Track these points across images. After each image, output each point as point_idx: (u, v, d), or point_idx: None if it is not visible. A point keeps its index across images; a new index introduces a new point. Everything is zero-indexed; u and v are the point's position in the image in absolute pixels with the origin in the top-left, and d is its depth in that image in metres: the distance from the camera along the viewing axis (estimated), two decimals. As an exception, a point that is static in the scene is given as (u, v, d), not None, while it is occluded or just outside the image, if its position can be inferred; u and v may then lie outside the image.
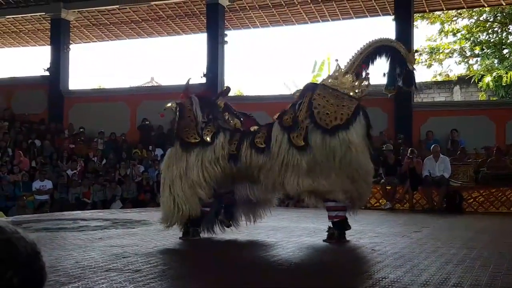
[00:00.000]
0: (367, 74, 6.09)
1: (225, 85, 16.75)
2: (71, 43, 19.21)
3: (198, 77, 16.73)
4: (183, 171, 5.95)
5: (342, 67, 6.14)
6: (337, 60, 6.34)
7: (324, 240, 5.92)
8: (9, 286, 0.97)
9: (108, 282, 3.66)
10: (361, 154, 5.74)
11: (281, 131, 5.88)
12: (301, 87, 6.24)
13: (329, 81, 6.13)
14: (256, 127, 6.21)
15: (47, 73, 18.50)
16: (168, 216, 6.05)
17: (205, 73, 16.68)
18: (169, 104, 6.50)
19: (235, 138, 6.07)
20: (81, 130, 17.17)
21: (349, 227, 6.06)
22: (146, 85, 27.33)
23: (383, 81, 6.29)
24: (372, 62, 6.12)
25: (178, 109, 6.29)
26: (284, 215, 9.00)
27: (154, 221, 8.25)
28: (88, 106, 17.84)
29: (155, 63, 51.06)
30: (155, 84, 27.57)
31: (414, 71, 6.17)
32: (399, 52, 6.05)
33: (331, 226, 6.02)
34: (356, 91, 5.98)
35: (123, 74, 48.83)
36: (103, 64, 51.59)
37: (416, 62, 6.15)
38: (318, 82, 6.33)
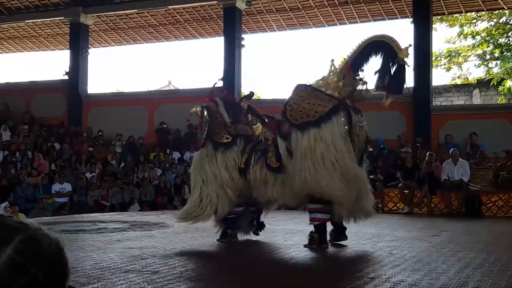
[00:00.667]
0: (356, 75, 5.81)
1: (242, 88, 16.86)
2: (90, 47, 19.41)
3: (215, 80, 16.86)
4: (216, 171, 6.00)
5: (337, 66, 5.97)
6: (332, 60, 6.12)
7: (304, 245, 5.75)
8: (34, 281, 0.99)
9: (127, 283, 3.70)
10: (342, 154, 5.47)
11: (283, 142, 5.80)
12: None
13: (317, 82, 5.96)
14: (266, 134, 6.18)
15: (66, 77, 18.72)
16: (189, 212, 6.14)
17: (222, 76, 16.75)
18: (194, 109, 6.60)
19: (247, 149, 6.06)
20: (99, 133, 17.35)
21: (345, 238, 5.94)
22: (164, 88, 27.51)
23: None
24: (367, 60, 5.79)
25: (206, 112, 6.36)
26: (301, 219, 8.98)
27: (171, 224, 8.31)
28: (106, 109, 18.02)
29: (173, 67, 51.41)
30: (173, 88, 27.74)
31: (406, 66, 5.69)
32: (390, 46, 5.64)
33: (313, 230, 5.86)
34: (341, 92, 5.76)
35: (141, 78, 49.23)
36: (122, 68, 52.07)
37: (407, 56, 5.63)
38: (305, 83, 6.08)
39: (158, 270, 4.22)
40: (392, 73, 5.63)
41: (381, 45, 5.70)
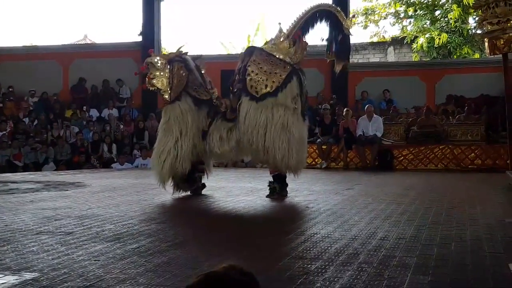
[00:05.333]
0: (304, 42, 6.30)
1: (162, 43, 16.45)
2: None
3: (134, 35, 16.36)
4: (195, 125, 6.25)
5: (285, 31, 6.35)
6: (280, 24, 6.59)
7: (266, 196, 6.22)
8: None
9: (39, 245, 3.59)
10: (291, 116, 5.97)
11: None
12: (243, 50, 6.58)
13: (269, 46, 6.35)
14: (226, 101, 6.49)
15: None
16: (165, 173, 6.26)
17: (141, 31, 16.24)
18: (151, 59, 6.55)
19: (210, 114, 6.35)
20: (10, 89, 16.38)
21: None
22: (79, 42, 26.28)
23: (321, 43, 6.53)
24: (312, 27, 6.33)
25: (175, 65, 6.41)
26: (222, 176, 9.06)
27: (88, 183, 8.13)
28: (17, 64, 16.97)
29: (88, 20, 48.94)
30: (89, 42, 26.57)
31: (350, 36, 6.38)
32: (336, 17, 6.24)
33: (271, 180, 6.34)
34: (292, 57, 6.19)
35: (54, 31, 46.49)
36: (34, 21, 48.92)
37: (352, 26, 6.45)
38: (258, 46, 6.56)
39: (73, 231, 4.12)
40: (338, 41, 6.26)
41: (327, 14, 6.27)
